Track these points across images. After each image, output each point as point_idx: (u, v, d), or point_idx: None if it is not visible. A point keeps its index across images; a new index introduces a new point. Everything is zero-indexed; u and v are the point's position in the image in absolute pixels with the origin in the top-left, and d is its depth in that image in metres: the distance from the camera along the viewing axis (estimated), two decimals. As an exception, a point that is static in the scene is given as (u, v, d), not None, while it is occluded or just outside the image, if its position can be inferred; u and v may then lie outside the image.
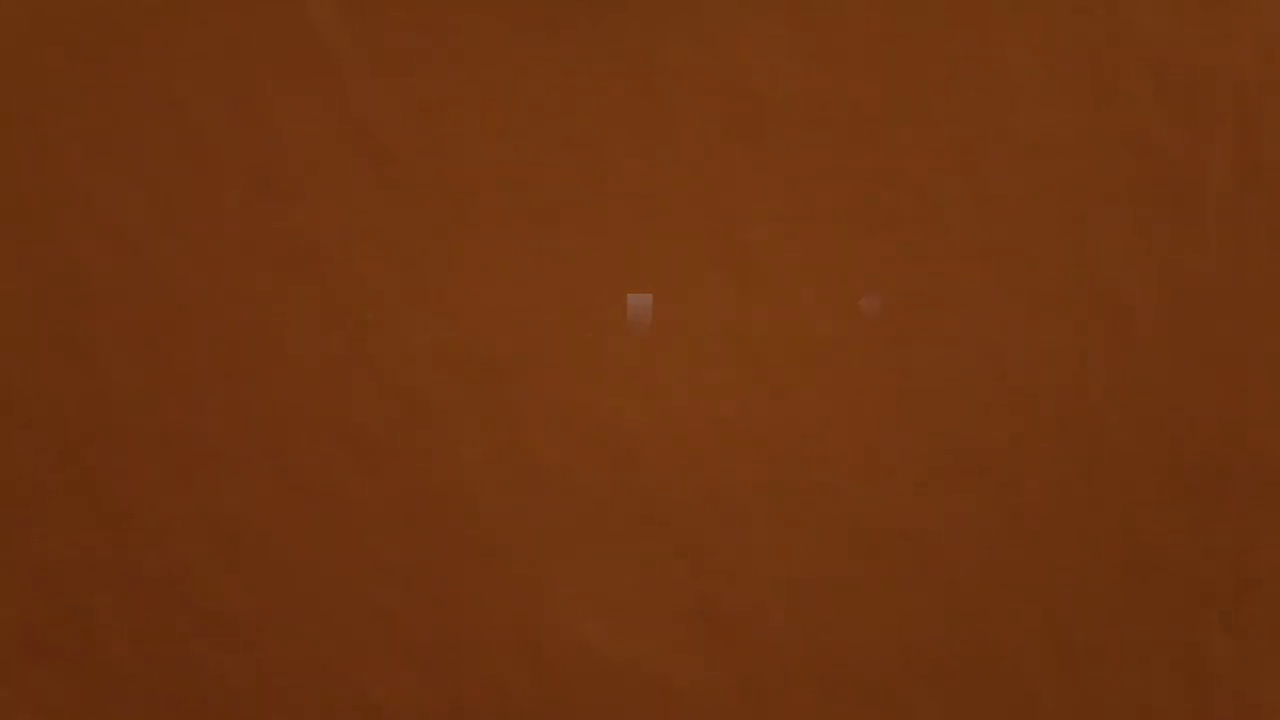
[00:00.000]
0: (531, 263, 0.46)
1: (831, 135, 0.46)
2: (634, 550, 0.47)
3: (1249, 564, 0.48)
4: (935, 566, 0.47)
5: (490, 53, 0.45)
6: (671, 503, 0.47)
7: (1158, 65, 0.46)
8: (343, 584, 0.46)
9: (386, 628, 0.47)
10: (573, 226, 0.46)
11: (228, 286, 0.45)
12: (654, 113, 0.46)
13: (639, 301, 0.39)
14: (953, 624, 0.48)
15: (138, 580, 0.46)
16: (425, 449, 0.46)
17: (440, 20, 0.45)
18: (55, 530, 0.46)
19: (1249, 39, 0.47)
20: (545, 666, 0.47)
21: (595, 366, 0.46)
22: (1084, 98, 0.46)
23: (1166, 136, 0.47)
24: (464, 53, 0.45)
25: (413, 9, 0.45)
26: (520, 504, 0.47)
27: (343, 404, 0.46)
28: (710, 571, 0.47)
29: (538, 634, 0.47)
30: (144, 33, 0.45)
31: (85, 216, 0.45)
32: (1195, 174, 0.47)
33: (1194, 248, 0.47)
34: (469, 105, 0.45)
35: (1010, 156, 0.46)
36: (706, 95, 0.45)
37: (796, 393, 0.46)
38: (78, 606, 0.46)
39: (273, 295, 0.45)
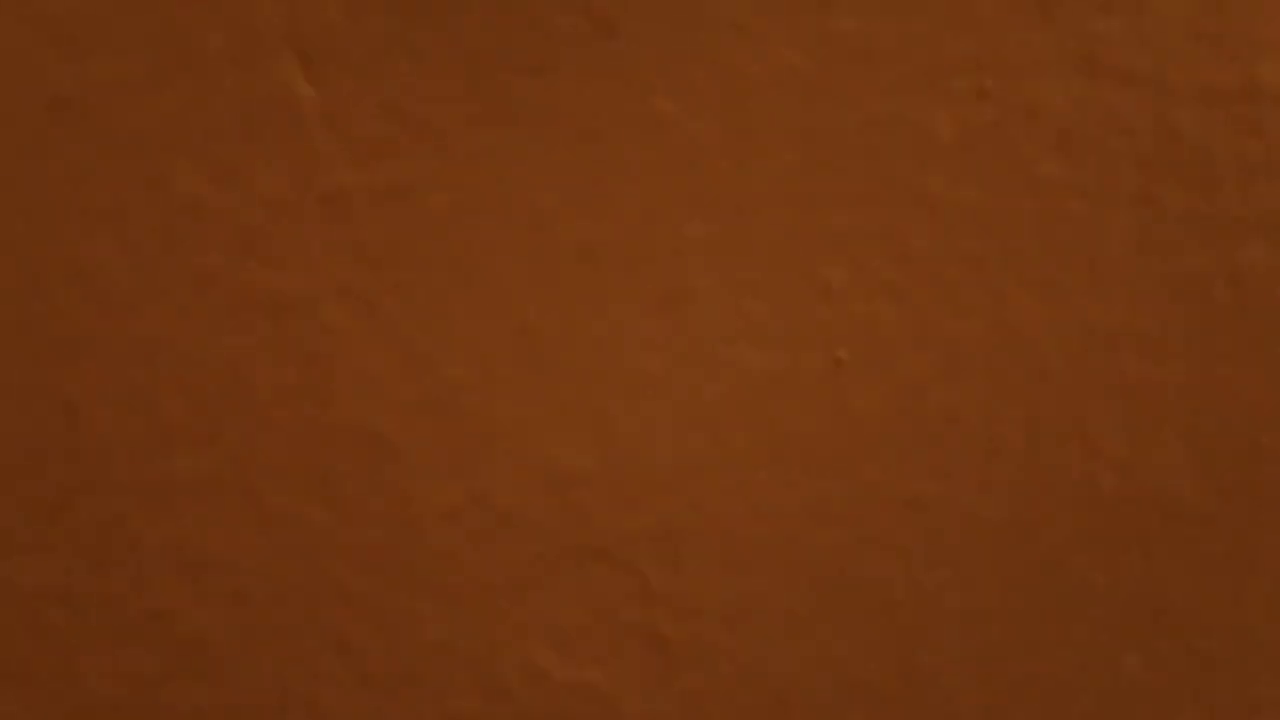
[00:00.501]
0: (486, 316, 0.47)
1: (762, 208, 0.47)
2: (584, 583, 0.47)
3: (1163, 594, 0.49)
4: (870, 600, 0.48)
5: (449, 135, 0.46)
6: (620, 538, 0.47)
7: (1052, 120, 0.47)
8: (307, 615, 0.47)
9: (347, 656, 0.47)
10: (524, 281, 0.46)
11: (204, 339, 0.46)
12: (600, 187, 0.46)
13: None
14: (887, 654, 0.48)
15: (111, 609, 0.46)
16: (387, 487, 0.47)
17: (406, 107, 0.46)
18: (31, 561, 0.46)
19: (1148, 117, 0.48)
20: (500, 693, 0.47)
21: (546, 410, 0.47)
22: (987, 159, 0.47)
23: (1075, 202, 0.48)
24: (426, 135, 0.46)
25: (381, 96, 0.46)
26: (476, 539, 0.47)
27: (309, 446, 0.46)
28: (657, 603, 0.48)
29: (492, 662, 0.47)
30: (132, 106, 0.45)
31: (72, 275, 0.45)
32: (1096, 223, 0.48)
33: (1096, 295, 0.48)
34: (432, 179, 0.46)
35: (929, 219, 0.47)
36: (647, 173, 0.46)
37: (736, 433, 0.47)
38: (52, 634, 0.46)
39: (246, 347, 0.46)
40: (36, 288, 0.46)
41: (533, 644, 0.47)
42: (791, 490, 0.48)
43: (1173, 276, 0.48)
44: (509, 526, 0.47)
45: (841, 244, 0.47)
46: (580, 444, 0.47)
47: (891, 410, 0.48)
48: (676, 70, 0.46)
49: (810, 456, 0.48)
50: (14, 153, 0.45)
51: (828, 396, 0.47)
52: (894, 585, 0.48)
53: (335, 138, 0.46)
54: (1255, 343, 0.48)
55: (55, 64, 0.45)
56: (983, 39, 0.47)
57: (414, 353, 0.47)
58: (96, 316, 0.46)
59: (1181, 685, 0.49)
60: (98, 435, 0.46)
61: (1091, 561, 0.49)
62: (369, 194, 0.46)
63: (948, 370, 0.48)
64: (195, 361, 0.46)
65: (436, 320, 0.47)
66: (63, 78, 0.45)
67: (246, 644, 0.47)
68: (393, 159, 0.46)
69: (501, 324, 0.47)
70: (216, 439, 0.46)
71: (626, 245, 0.47)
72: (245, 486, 0.46)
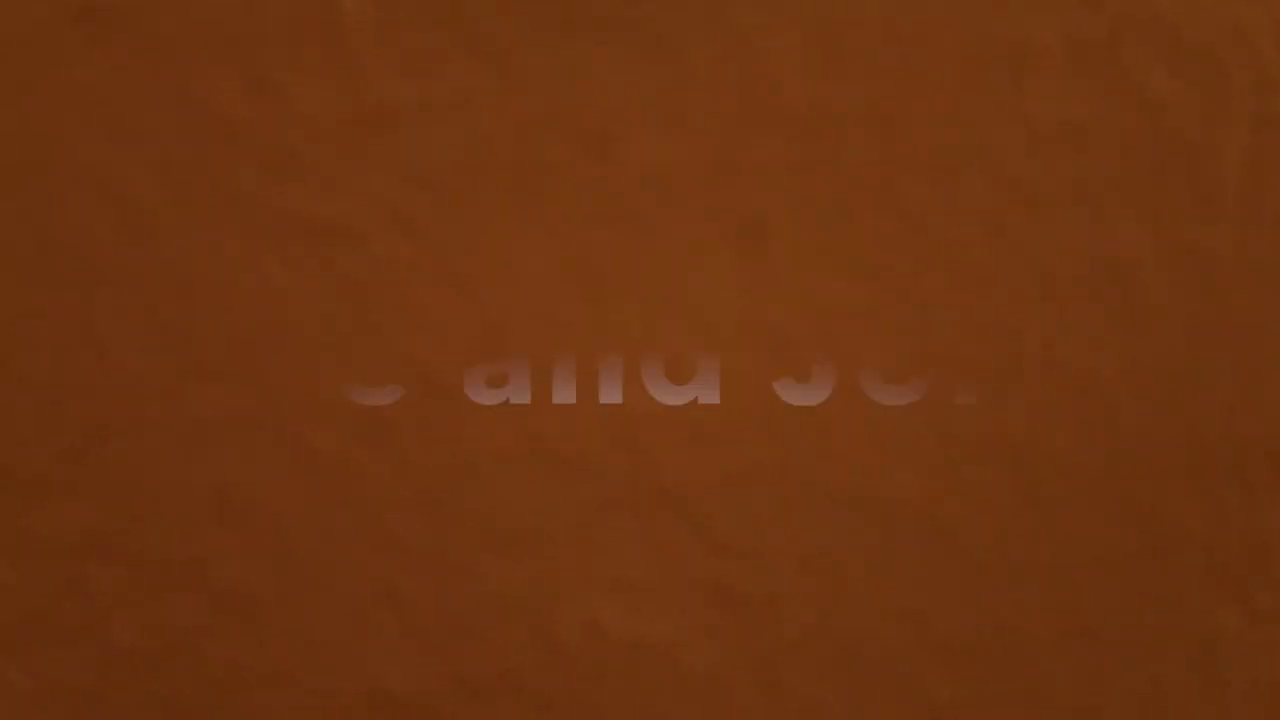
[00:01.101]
0: (548, 246, 0.46)
1: (841, 127, 0.46)
2: (646, 532, 0.47)
3: (1265, 543, 0.48)
4: (949, 546, 0.47)
5: (508, 47, 0.45)
6: (685, 483, 0.47)
7: (1173, 43, 0.46)
8: (352, 563, 0.46)
9: (397, 608, 0.46)
10: (588, 211, 0.46)
11: (239, 266, 0.45)
12: (669, 102, 0.46)
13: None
14: (967, 603, 0.48)
15: (143, 557, 0.46)
16: (438, 428, 0.46)
17: (461, 16, 0.45)
18: (60, 506, 0.46)
19: (1265, 14, 0.46)
20: (556, 647, 0.47)
21: (607, 347, 0.46)
22: (1098, 77, 0.46)
23: (1182, 115, 0.47)
24: (482, 48, 0.45)
25: (434, 3, 0.45)
26: (533, 484, 0.46)
27: (354, 383, 0.46)
28: (723, 552, 0.47)
29: (549, 615, 0.47)
30: (159, 13, 0.45)
31: (98, 196, 0.45)
32: (1211, 152, 0.47)
33: (1209, 226, 0.47)
34: (487, 98, 0.45)
35: (1024, 138, 0.46)
36: (721, 89, 0.45)
37: (814, 373, 0.46)
38: (82, 582, 0.46)
39: (284, 275, 0.45)
40: (61, 211, 0.45)
41: (592, 596, 0.47)
42: (871, 433, 0.47)
43: (1295, 204, 0.47)
44: (567, 471, 0.46)
45: (932, 166, 0.46)
46: (643, 384, 0.46)
47: (983, 348, 0.47)
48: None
49: (893, 397, 0.46)
50: (39, 64, 0.44)
51: (914, 333, 0.47)
52: (978, 534, 0.47)
53: (383, 49, 0.45)
54: (1383, 277, 0.47)
55: (79, -34, 0.44)
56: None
57: (467, 284, 0.46)
58: (125, 242, 0.45)
59: (1279, 636, 0.47)
60: (125, 371, 0.45)
61: (1192, 511, 0.48)
62: (419, 110, 0.45)
63: (1044, 305, 0.47)
64: (231, 291, 0.45)
65: (491, 249, 0.46)
66: None
67: (288, 595, 0.46)
68: (445, 72, 0.45)
69: (562, 253, 0.46)
70: (254, 375, 0.46)
71: (699, 168, 0.46)
72: (285, 426, 0.46)
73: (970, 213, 0.47)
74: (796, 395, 0.47)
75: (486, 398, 0.46)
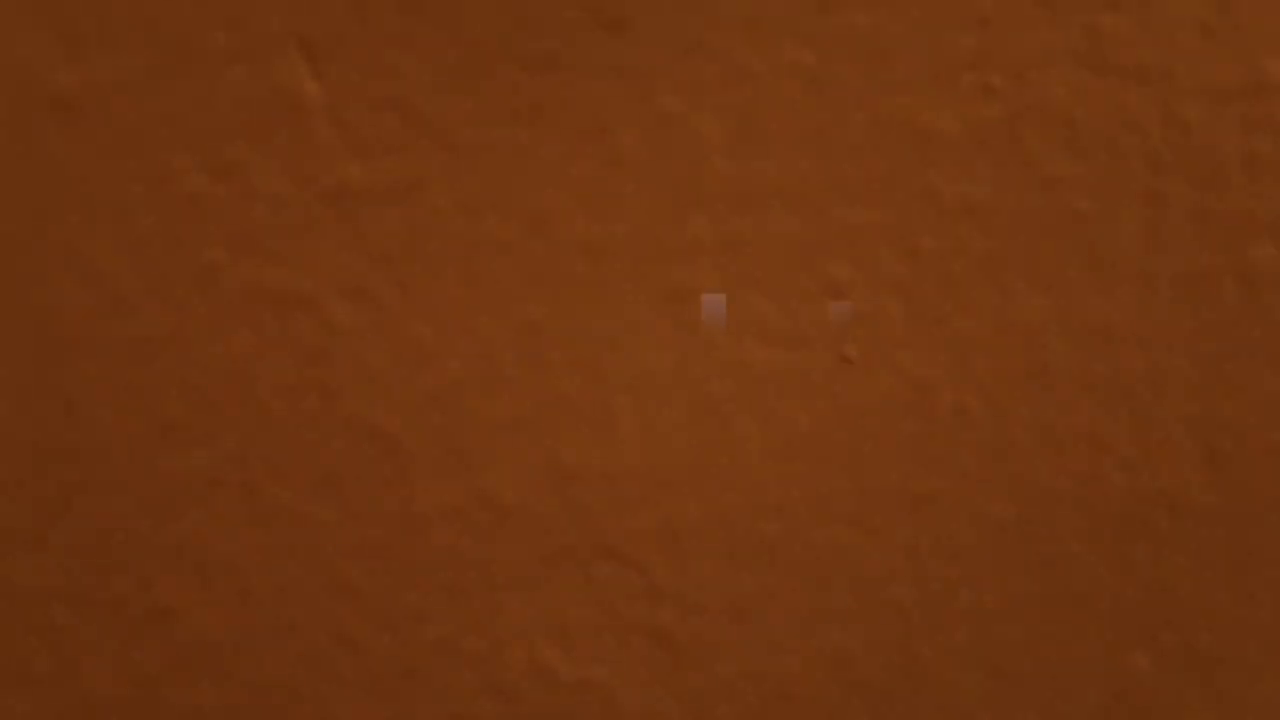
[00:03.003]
0: (492, 313, 0.47)
1: (767, 205, 0.47)
2: (589, 581, 0.47)
3: (1171, 593, 0.49)
4: (872, 597, 0.48)
5: (454, 131, 0.46)
6: (625, 535, 0.47)
7: (1063, 118, 0.47)
8: (310, 613, 0.47)
9: (352, 654, 0.47)
10: (530, 280, 0.47)
11: (206, 336, 0.46)
12: (608, 184, 0.46)
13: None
14: (889, 648, 0.48)
15: (113, 609, 0.46)
16: (390, 484, 0.47)
17: (410, 103, 0.46)
18: (32, 560, 0.46)
19: (1156, 114, 0.48)
20: (505, 692, 0.47)
21: (550, 408, 0.47)
22: (995, 156, 0.47)
23: (1076, 187, 0.47)
24: (431, 131, 0.46)
25: (386, 92, 0.46)
26: (480, 536, 0.47)
27: (312, 443, 0.46)
28: (662, 600, 0.48)
29: (497, 660, 0.47)
30: (133, 104, 0.45)
31: (73, 271, 0.45)
32: (1104, 220, 0.48)
33: (1107, 295, 0.48)
34: (436, 176, 0.46)
35: (936, 217, 0.47)
36: (655, 171, 0.46)
37: (740, 430, 0.47)
38: (53, 633, 0.46)
39: (248, 344, 0.46)
40: (37, 285, 0.46)
41: (537, 642, 0.47)
42: (798, 488, 0.48)
43: (1181, 275, 0.48)
44: (513, 524, 0.47)
45: (848, 241, 0.47)
46: (585, 441, 0.47)
47: (898, 408, 0.48)
48: (683, 67, 0.46)
49: (817, 454, 0.48)
50: (15, 151, 0.45)
51: (834, 394, 0.48)
52: (900, 583, 0.48)
53: (339, 133, 0.46)
54: (1264, 341, 0.48)
55: (56, 63, 0.45)
56: (989, 35, 0.47)
57: (418, 350, 0.47)
58: (97, 314, 0.46)
59: (1189, 684, 0.49)
60: (98, 433, 0.46)
61: (1099, 560, 0.49)
62: (373, 190, 0.46)
63: (955, 368, 0.48)
64: (197, 359, 0.46)
65: (441, 317, 0.47)
66: (63, 77, 0.45)
67: (249, 643, 0.47)
68: (397, 155, 0.46)
69: (506, 321, 0.47)
70: (218, 437, 0.46)
71: (632, 243, 0.47)
72: (247, 484, 0.46)
73: (884, 283, 0.47)
74: (723, 448, 0.48)
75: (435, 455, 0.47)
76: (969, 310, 0.48)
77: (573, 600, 0.47)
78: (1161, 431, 0.48)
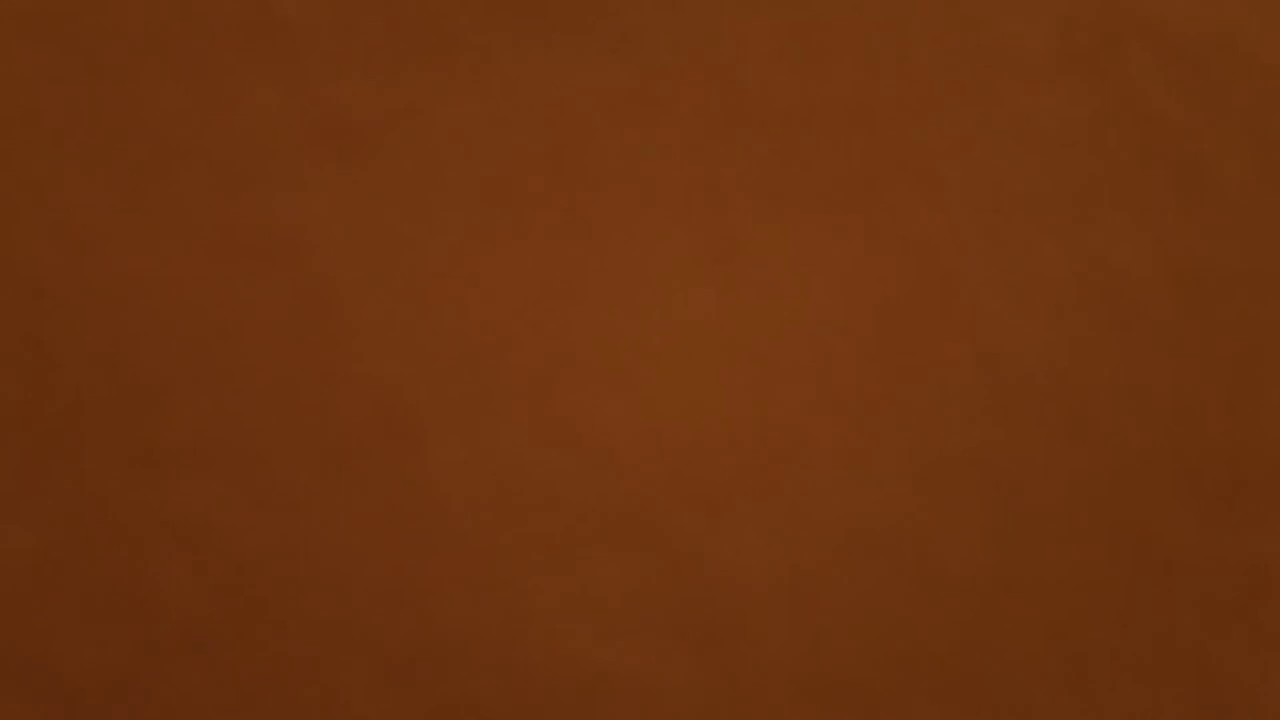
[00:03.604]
0: (513, 264, 0.45)
1: (822, 129, 0.46)
2: (618, 559, 0.46)
3: (1265, 566, 0.48)
4: (933, 571, 0.47)
5: (469, 50, 0.45)
6: (657, 509, 0.46)
7: (1168, 41, 0.46)
8: (317, 594, 0.45)
9: (360, 642, 0.46)
10: (555, 226, 0.46)
11: (195, 286, 0.45)
12: (639, 108, 0.45)
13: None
14: (952, 630, 0.47)
15: (91, 590, 0.45)
16: (398, 454, 0.45)
17: (418, 17, 0.45)
18: (11, 530, 0.45)
19: (1261, 10, 0.46)
20: (529, 680, 0.46)
21: (577, 370, 0.46)
22: (1089, 77, 0.46)
23: (1179, 117, 0.46)
24: (442, 50, 0.45)
25: (389, 5, 0.45)
26: (501, 513, 0.46)
27: (311, 406, 0.45)
28: (699, 578, 0.46)
29: (519, 647, 0.46)
30: (104, 23, 0.44)
31: (42, 211, 0.45)
32: (1208, 156, 0.47)
33: (1206, 234, 0.47)
34: (448, 104, 0.45)
35: (1011, 142, 0.46)
36: (693, 90, 0.45)
37: (786, 394, 0.46)
38: (33, 611, 0.45)
39: (237, 293, 0.45)
40: (2, 226, 0.44)
41: (564, 625, 0.46)
42: (850, 455, 0.46)
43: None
44: (537, 499, 0.46)
45: (914, 172, 0.46)
46: (614, 407, 0.46)
47: (967, 360, 0.47)
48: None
49: (873, 416, 0.46)
50: None
51: (895, 346, 0.46)
52: (960, 555, 0.47)
53: (334, 54, 0.44)
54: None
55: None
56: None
57: (431, 305, 0.45)
58: (69, 258, 0.45)
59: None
60: (73, 391, 0.45)
61: (1190, 528, 0.47)
62: (370, 118, 0.45)
63: (1032, 314, 0.47)
64: (180, 309, 0.45)
65: (455, 268, 0.45)
66: (30, 2, 0.43)
67: (252, 625, 0.45)
68: (399, 79, 0.45)
69: (529, 272, 0.46)
70: (207, 398, 0.45)
71: (671, 190, 0.45)
72: (240, 452, 0.45)
73: (955, 219, 0.46)
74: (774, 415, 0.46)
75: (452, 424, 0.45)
76: (1051, 250, 0.47)
77: (603, 579, 0.46)
78: (1260, 387, 0.47)
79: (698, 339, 0.46)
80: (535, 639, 0.46)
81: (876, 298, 0.46)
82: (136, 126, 0.44)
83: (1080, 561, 0.47)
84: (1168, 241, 0.47)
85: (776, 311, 0.46)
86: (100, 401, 0.45)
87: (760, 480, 0.46)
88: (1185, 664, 0.47)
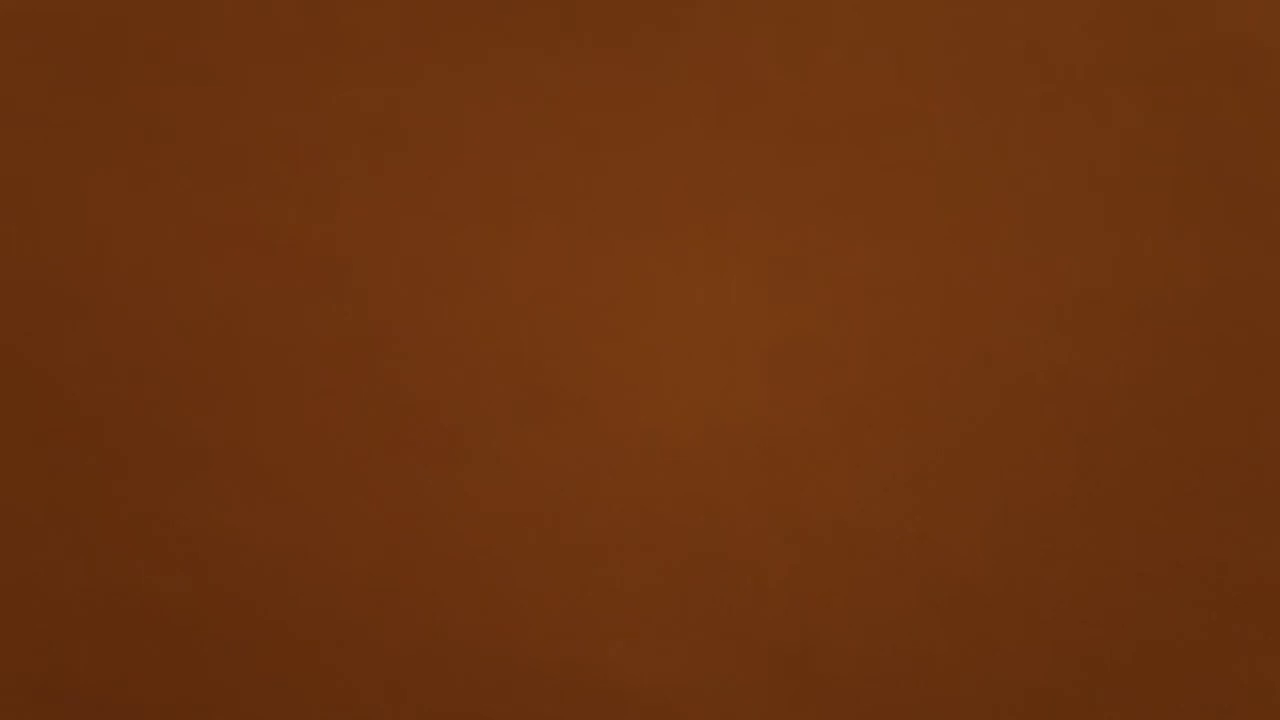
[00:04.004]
0: (518, 264, 0.46)
1: (832, 132, 0.46)
2: (647, 567, 0.46)
3: (1270, 569, 0.47)
4: (934, 571, 0.47)
5: (487, 57, 0.46)
6: (683, 516, 0.47)
7: (1204, 48, 0.46)
8: (323, 606, 0.46)
9: (373, 654, 0.46)
10: (573, 227, 0.46)
11: (227, 293, 0.46)
12: (653, 112, 0.46)
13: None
14: (956, 630, 0.47)
15: (95, 596, 0.46)
16: (424, 463, 0.46)
17: (448, 21, 0.46)
18: (12, 537, 0.46)
19: None
20: (539, 680, 0.47)
21: (581, 370, 0.46)
22: (1119, 85, 0.46)
23: (1221, 122, 0.46)
24: (472, 54, 0.46)
25: (418, 9, 0.46)
26: (530, 521, 0.46)
27: (328, 414, 0.46)
28: (703, 579, 0.47)
29: (548, 667, 0.46)
30: (137, 26, 0.46)
31: (62, 217, 0.46)
32: (1255, 172, 0.47)
33: (1206, 237, 0.47)
34: (478, 106, 0.46)
35: (1043, 147, 0.46)
36: (706, 96, 0.46)
37: (792, 396, 0.46)
38: (26, 623, 0.46)
39: (249, 295, 0.46)
40: (13, 225, 0.46)
41: (583, 641, 0.46)
42: (856, 456, 0.46)
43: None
44: (554, 505, 0.46)
45: (932, 175, 0.46)
46: (640, 410, 0.46)
47: (970, 365, 0.47)
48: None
49: (877, 417, 0.46)
50: (5, 87, 0.46)
51: (903, 349, 0.46)
52: (972, 559, 0.47)
53: (331, 54, 0.46)
54: None
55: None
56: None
57: (454, 304, 0.46)
58: (81, 262, 0.46)
59: None
60: (79, 395, 0.46)
61: (1190, 529, 0.47)
62: (397, 121, 0.46)
63: (1067, 323, 0.47)
64: (191, 309, 0.46)
65: (471, 262, 0.46)
66: (57, 6, 0.45)
67: (256, 630, 0.46)
68: (421, 82, 0.46)
69: (526, 268, 0.46)
70: (218, 402, 0.46)
71: (674, 180, 0.46)
72: (251, 456, 0.46)
73: (983, 224, 0.47)
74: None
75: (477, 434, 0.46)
76: (1052, 253, 0.47)
77: (619, 582, 0.46)
78: (1267, 387, 0.47)
79: (709, 342, 0.46)
80: (542, 642, 0.46)
81: (886, 299, 0.47)
82: (160, 131, 0.46)
83: (1082, 563, 0.47)
84: (1168, 243, 0.47)
85: (786, 313, 0.46)
86: (106, 407, 0.46)
87: (761, 481, 0.46)
88: (1189, 667, 0.47)
